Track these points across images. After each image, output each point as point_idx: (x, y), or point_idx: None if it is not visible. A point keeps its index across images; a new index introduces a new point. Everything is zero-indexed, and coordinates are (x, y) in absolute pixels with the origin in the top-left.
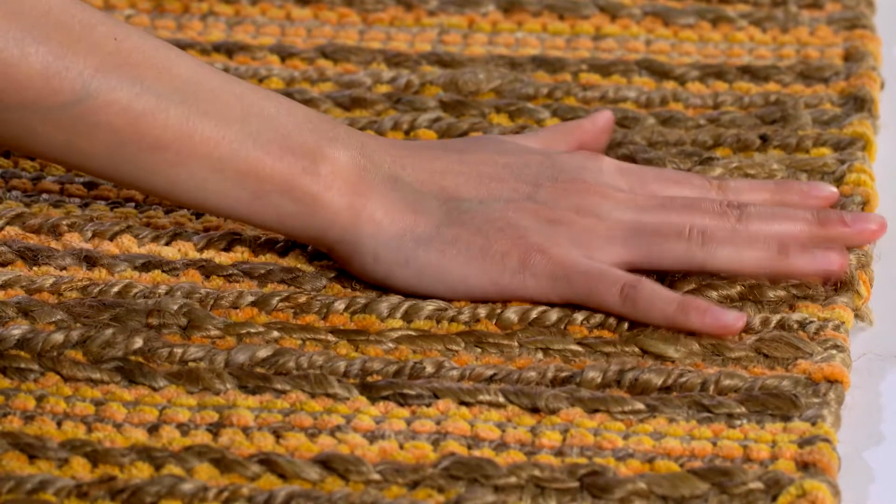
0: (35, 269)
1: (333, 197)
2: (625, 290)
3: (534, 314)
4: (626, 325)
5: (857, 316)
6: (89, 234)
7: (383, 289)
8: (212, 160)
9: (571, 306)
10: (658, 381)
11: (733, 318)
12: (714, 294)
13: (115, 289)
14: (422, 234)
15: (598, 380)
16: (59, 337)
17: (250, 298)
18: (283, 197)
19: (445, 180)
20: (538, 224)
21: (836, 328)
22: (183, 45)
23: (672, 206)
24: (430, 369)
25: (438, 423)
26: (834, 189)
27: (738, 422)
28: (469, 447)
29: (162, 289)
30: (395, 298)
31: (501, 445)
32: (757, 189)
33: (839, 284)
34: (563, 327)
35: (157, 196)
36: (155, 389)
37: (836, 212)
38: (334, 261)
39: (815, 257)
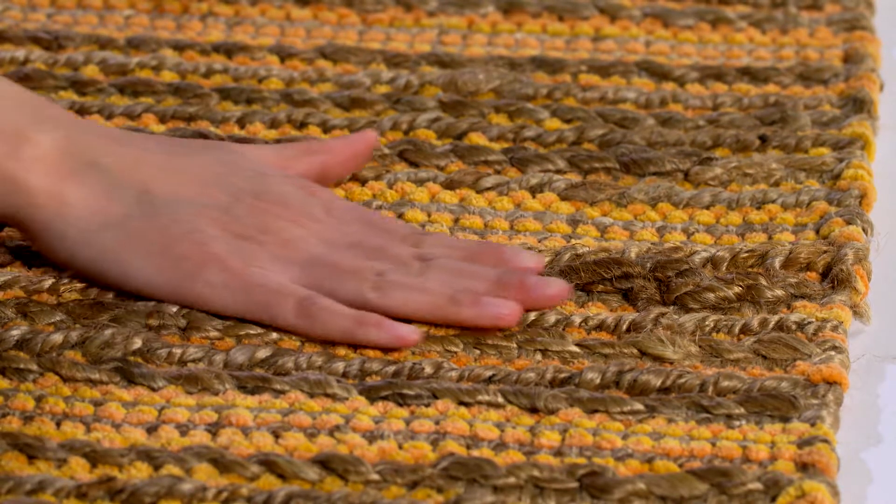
0: (34, 269)
1: (31, 180)
2: (301, 304)
3: (532, 316)
4: (624, 327)
5: (855, 313)
6: None
7: None
8: None
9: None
10: (657, 382)
11: (407, 331)
12: (711, 296)
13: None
14: (110, 221)
15: (597, 381)
16: (58, 337)
17: None
18: None
19: (149, 174)
20: (223, 235)
21: (835, 329)
22: (183, 46)
23: (360, 247)
24: (428, 370)
25: (437, 423)
26: (539, 259)
27: (737, 422)
28: (468, 447)
29: None
30: None
31: (500, 445)
32: (454, 247)
33: (837, 282)
34: (561, 329)
35: None
36: (154, 390)
37: (520, 274)
38: (24, 238)
39: (485, 307)
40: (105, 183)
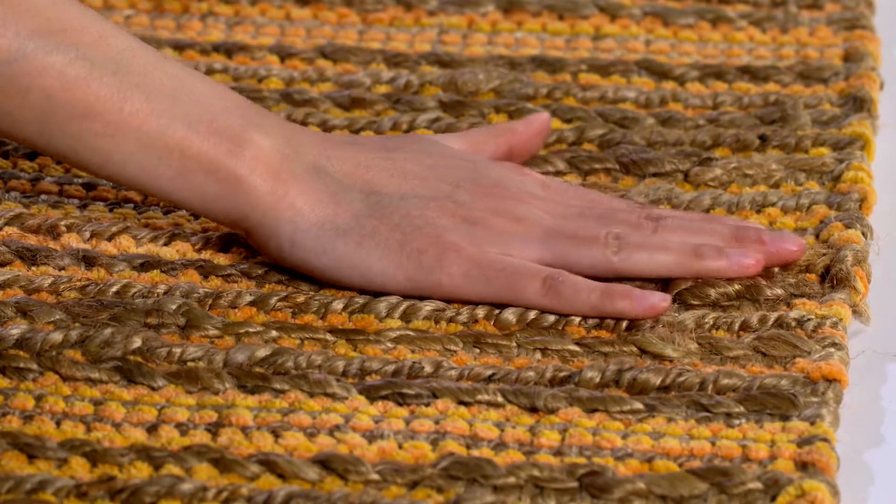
0: (34, 269)
1: (255, 181)
2: (547, 281)
3: (532, 315)
4: (623, 325)
5: (854, 313)
6: (88, 235)
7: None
8: (139, 134)
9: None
10: (656, 380)
11: (658, 299)
12: (712, 291)
13: (114, 288)
14: (341, 224)
15: (597, 379)
16: (57, 336)
17: (249, 298)
18: (206, 177)
19: (369, 174)
20: (455, 223)
21: (834, 325)
22: (183, 46)
23: (589, 215)
24: (428, 369)
25: (437, 422)
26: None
27: (736, 421)
28: (468, 447)
29: (160, 288)
30: (393, 299)
31: (500, 445)
32: (682, 216)
33: (836, 281)
34: (561, 328)
35: (82, 168)
36: (154, 389)
37: (756, 227)
38: (251, 245)
39: (731, 258)
40: (331, 187)
